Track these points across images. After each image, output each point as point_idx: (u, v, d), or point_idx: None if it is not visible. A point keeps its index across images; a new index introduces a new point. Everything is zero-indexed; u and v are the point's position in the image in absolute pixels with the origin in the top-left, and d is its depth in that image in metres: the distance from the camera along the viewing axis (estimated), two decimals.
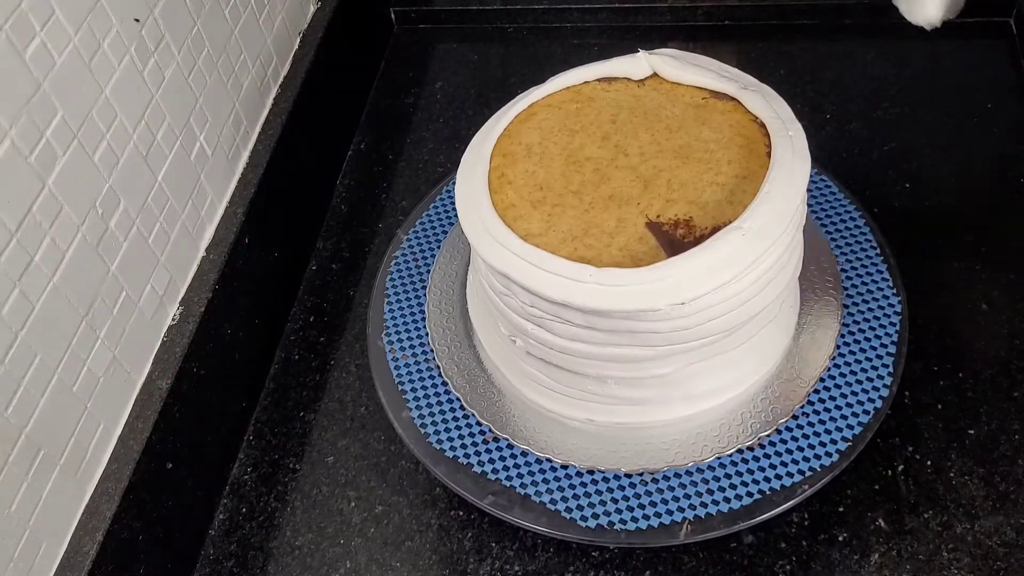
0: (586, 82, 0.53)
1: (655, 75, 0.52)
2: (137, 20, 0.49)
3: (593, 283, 0.43)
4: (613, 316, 0.44)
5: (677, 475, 0.49)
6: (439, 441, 0.52)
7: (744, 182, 0.46)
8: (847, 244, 0.58)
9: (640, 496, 0.49)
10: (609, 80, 0.53)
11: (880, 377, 0.52)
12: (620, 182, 0.47)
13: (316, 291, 0.67)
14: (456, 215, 0.54)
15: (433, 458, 0.52)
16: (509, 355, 0.53)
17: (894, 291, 0.55)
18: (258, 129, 0.66)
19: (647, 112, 0.51)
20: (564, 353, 0.48)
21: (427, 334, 0.57)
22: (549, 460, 0.51)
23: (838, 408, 0.51)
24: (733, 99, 0.50)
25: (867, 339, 0.53)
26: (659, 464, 0.50)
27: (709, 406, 0.51)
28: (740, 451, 0.49)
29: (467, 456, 0.51)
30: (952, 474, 0.52)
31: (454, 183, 0.51)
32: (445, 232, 0.62)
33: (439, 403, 0.54)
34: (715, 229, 0.44)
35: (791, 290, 0.52)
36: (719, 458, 0.49)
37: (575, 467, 0.50)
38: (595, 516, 0.49)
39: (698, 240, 0.44)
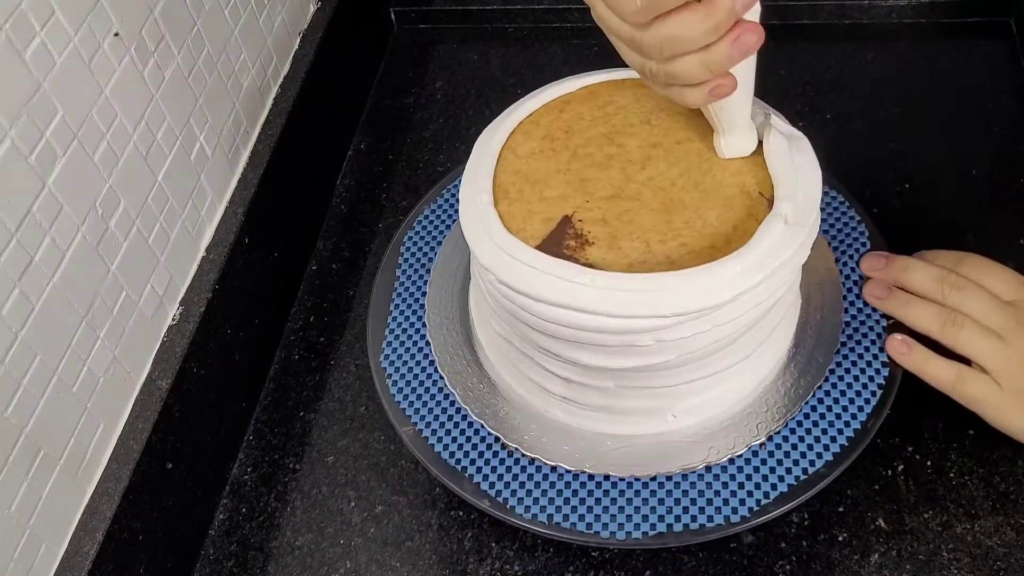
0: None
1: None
2: (117, 35, 0.49)
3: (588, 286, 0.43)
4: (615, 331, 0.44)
5: (675, 476, 0.49)
6: (443, 447, 0.52)
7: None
8: (847, 244, 0.58)
9: (640, 497, 0.49)
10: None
11: (880, 376, 0.52)
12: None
13: (316, 291, 0.67)
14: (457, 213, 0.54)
15: (433, 459, 0.52)
16: (508, 358, 0.53)
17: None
18: (258, 129, 0.66)
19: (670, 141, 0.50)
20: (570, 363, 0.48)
21: (427, 333, 0.57)
22: (547, 463, 0.50)
23: (838, 406, 0.51)
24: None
25: (867, 339, 0.53)
26: (660, 467, 0.50)
27: (709, 415, 0.51)
28: (740, 451, 0.49)
29: (472, 464, 0.51)
30: (952, 474, 0.52)
31: (455, 183, 0.50)
32: (444, 232, 0.62)
33: (440, 406, 0.54)
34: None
35: (792, 296, 0.52)
36: (715, 464, 0.49)
37: (574, 471, 0.50)
38: (597, 519, 0.48)
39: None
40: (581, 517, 0.48)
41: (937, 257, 0.54)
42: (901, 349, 0.52)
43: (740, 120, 0.46)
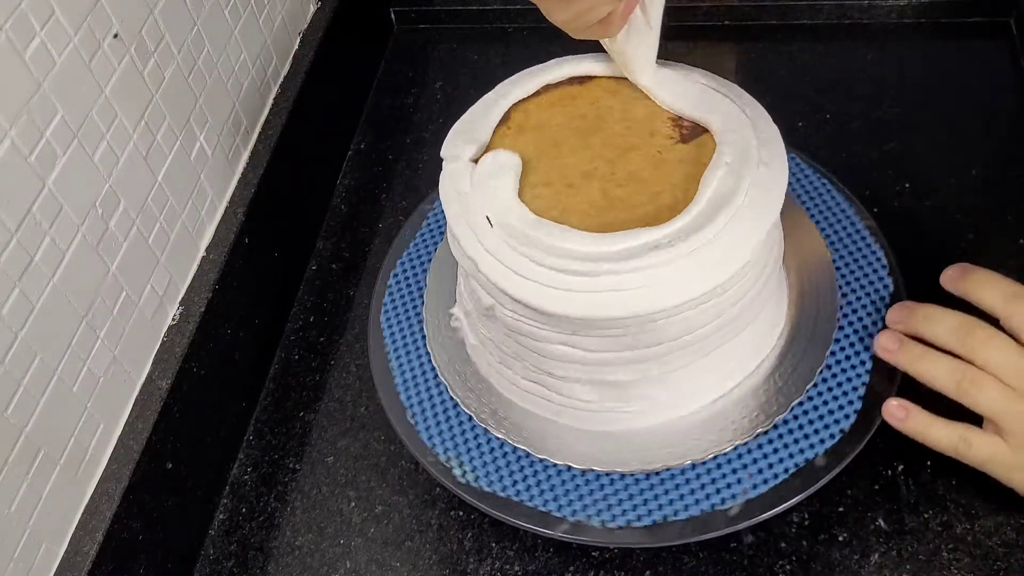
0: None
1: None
2: (117, 36, 0.49)
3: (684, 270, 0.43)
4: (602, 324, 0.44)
5: (676, 475, 0.49)
6: (443, 446, 0.52)
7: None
8: (846, 244, 0.58)
9: (640, 496, 0.49)
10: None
11: (880, 375, 0.51)
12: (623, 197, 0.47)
13: (316, 291, 0.67)
14: None
15: (432, 459, 0.52)
16: (498, 358, 0.53)
17: (893, 291, 0.55)
18: (258, 129, 0.66)
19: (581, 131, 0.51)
20: (558, 360, 0.48)
21: (426, 333, 0.57)
22: (545, 461, 0.51)
23: (836, 405, 0.51)
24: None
25: (866, 339, 0.53)
26: (656, 464, 0.50)
27: (702, 403, 0.51)
28: (738, 450, 0.49)
29: (472, 463, 0.51)
30: (952, 474, 0.52)
31: None
32: (444, 233, 0.62)
33: (440, 406, 0.54)
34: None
35: (778, 274, 0.52)
36: (716, 457, 0.49)
37: (575, 469, 0.50)
38: (595, 516, 0.48)
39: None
40: (582, 514, 0.49)
41: (986, 286, 0.47)
42: (898, 415, 0.47)
43: (650, 58, 0.50)
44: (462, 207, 0.47)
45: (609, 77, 0.52)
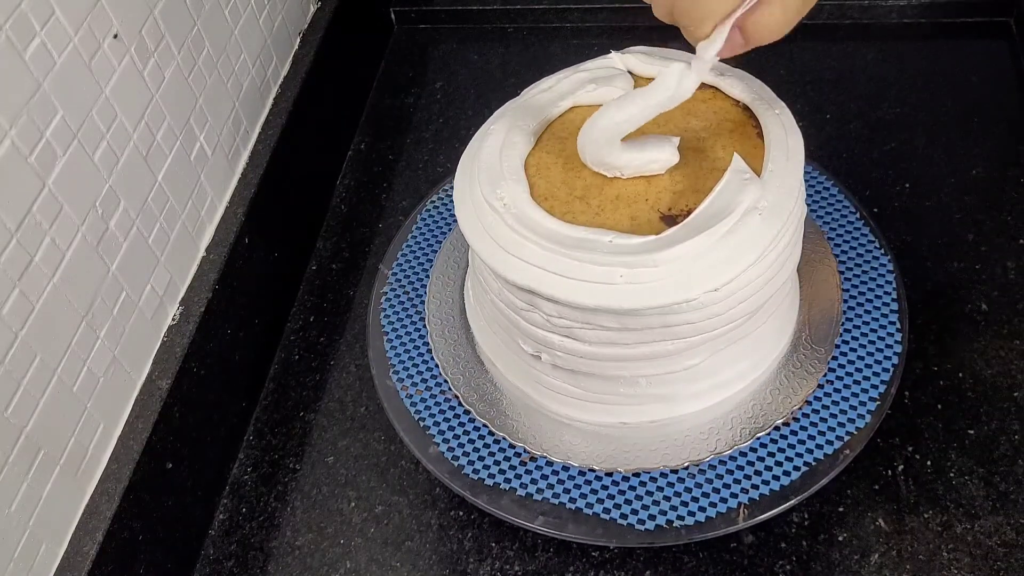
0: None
1: (630, 73, 0.52)
2: (116, 36, 0.49)
3: (624, 283, 0.43)
4: (646, 314, 0.44)
5: (673, 473, 0.49)
6: (445, 447, 0.52)
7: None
8: (847, 244, 0.58)
9: (640, 496, 0.49)
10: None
11: (880, 376, 0.52)
12: (623, 181, 0.47)
13: (316, 291, 0.67)
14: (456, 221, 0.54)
15: (433, 460, 0.52)
16: (514, 361, 0.53)
17: (894, 291, 0.55)
18: (258, 129, 0.66)
19: None
20: (596, 360, 0.48)
21: (427, 332, 0.57)
22: (548, 459, 0.51)
23: (837, 406, 0.51)
24: (711, 87, 0.50)
25: (867, 338, 0.53)
26: (655, 463, 0.50)
27: (707, 404, 0.51)
28: (741, 451, 0.49)
29: (473, 462, 0.51)
30: (952, 474, 0.52)
31: (452, 185, 0.50)
32: (445, 232, 0.62)
33: (440, 406, 0.54)
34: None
35: (793, 279, 0.52)
36: (719, 458, 0.49)
37: (575, 466, 0.50)
38: (600, 514, 0.49)
39: None
40: (584, 513, 0.49)
41: None
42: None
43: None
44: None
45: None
